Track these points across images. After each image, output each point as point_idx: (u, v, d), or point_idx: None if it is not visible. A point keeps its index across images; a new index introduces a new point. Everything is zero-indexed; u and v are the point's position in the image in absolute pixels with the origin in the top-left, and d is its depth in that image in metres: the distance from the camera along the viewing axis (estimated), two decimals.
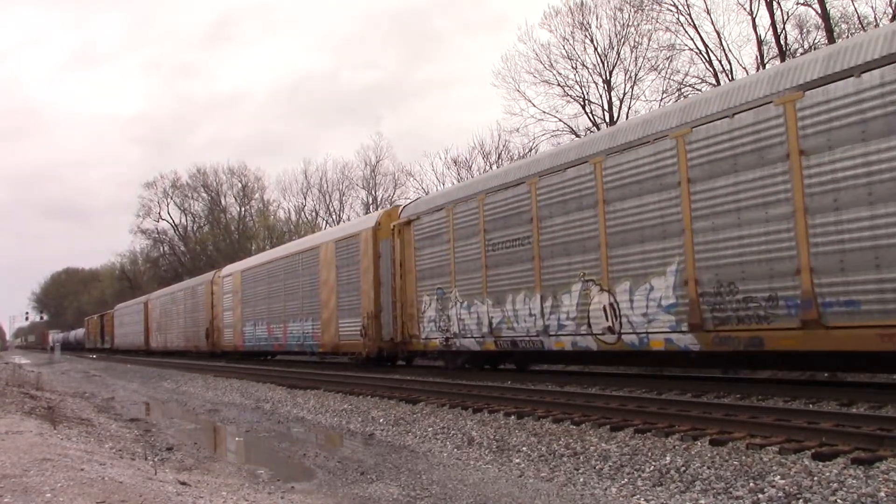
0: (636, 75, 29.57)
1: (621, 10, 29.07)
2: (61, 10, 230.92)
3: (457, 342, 15.27)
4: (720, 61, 26.56)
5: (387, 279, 18.07)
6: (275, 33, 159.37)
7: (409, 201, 20.19)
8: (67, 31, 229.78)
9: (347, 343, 19.70)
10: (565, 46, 30.35)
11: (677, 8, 26.81)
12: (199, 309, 34.18)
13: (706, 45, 26.68)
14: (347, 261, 19.82)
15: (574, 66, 30.39)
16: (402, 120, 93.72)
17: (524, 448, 7.85)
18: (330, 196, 54.28)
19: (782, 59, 23.36)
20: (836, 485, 5.32)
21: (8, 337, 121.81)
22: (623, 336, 11.29)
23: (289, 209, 59.07)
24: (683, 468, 6.27)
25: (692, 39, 26.93)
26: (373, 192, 50.59)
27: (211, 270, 40.38)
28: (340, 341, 20.06)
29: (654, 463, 6.57)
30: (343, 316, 19.84)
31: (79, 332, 77.67)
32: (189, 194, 65.35)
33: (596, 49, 30.04)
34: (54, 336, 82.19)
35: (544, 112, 31.30)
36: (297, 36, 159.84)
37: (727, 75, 25.86)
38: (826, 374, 11.60)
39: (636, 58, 29.34)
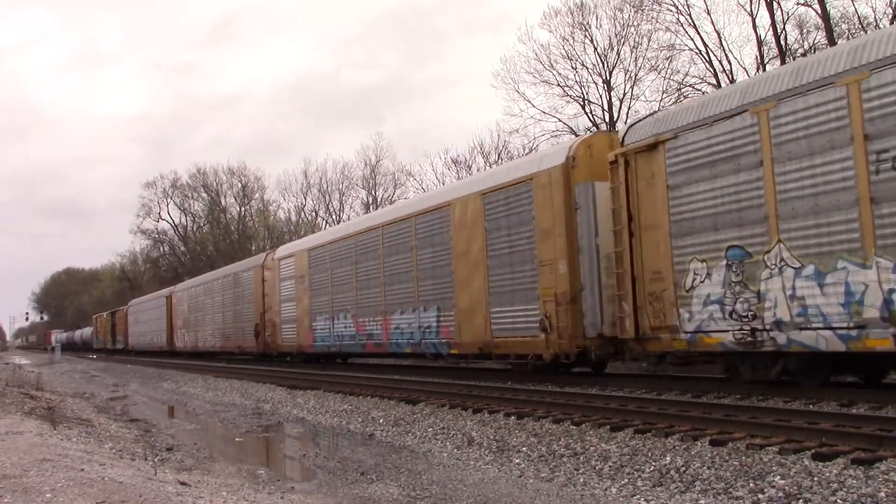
0: (636, 75, 29.60)
1: (621, 10, 29.08)
2: (62, 10, 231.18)
3: (780, 337, 9.19)
4: (720, 61, 26.58)
5: (589, 243, 12.27)
6: (276, 33, 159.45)
7: (641, 115, 14.57)
8: (68, 30, 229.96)
9: (511, 341, 13.79)
10: (565, 46, 30.36)
11: (677, 8, 26.81)
12: (245, 300, 27.74)
13: (706, 46, 26.70)
14: (508, 220, 13.79)
15: (574, 66, 30.41)
16: (404, 120, 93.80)
17: (524, 448, 7.86)
18: (330, 196, 54.35)
19: (782, 60, 23.36)
20: (836, 485, 5.32)
21: (8, 337, 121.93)
22: None
23: (288, 209, 59.14)
24: (683, 468, 6.28)
25: (692, 39, 26.94)
26: (373, 192, 50.63)
27: (213, 267, 38.89)
28: (496, 338, 14.14)
29: (654, 463, 6.57)
30: (501, 302, 13.92)
31: (86, 332, 71.97)
32: (189, 194, 65.38)
33: (596, 49, 30.06)
34: (58, 336, 79.64)
35: (544, 112, 31.30)
36: (299, 35, 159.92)
37: (727, 75, 25.86)
38: None
39: (636, 58, 29.36)
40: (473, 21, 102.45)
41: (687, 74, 27.44)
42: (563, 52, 30.39)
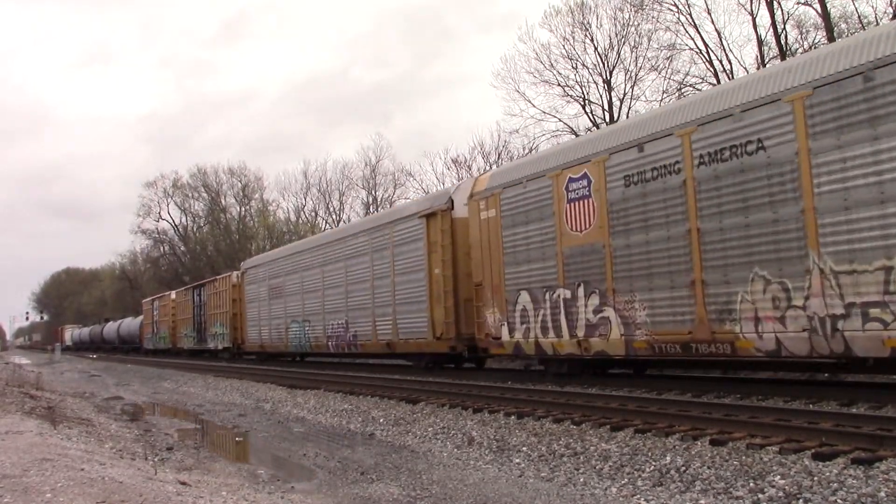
0: (636, 75, 29.53)
1: (621, 9, 29.02)
2: (72, 9, 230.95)
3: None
4: (721, 61, 26.54)
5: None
6: (286, 31, 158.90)
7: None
8: (78, 29, 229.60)
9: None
10: (565, 46, 30.30)
11: (678, 8, 26.74)
12: None
13: (707, 45, 26.64)
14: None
15: (574, 66, 30.36)
16: (414, 118, 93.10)
17: (524, 448, 7.85)
18: (329, 196, 54.29)
19: (782, 59, 23.34)
20: (836, 485, 5.32)
21: (8, 337, 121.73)
22: None
23: (287, 209, 59.07)
24: (683, 468, 6.27)
25: (693, 39, 26.89)
26: (373, 192, 50.57)
27: (213, 267, 37.18)
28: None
29: (654, 463, 6.57)
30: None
31: (129, 325, 50.73)
32: (189, 194, 65.27)
33: (596, 49, 29.99)
34: (74, 332, 70.55)
35: (544, 112, 31.24)
36: (309, 34, 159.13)
37: (728, 75, 25.83)
38: (826, 374, 11.60)
39: (636, 58, 29.29)
40: (486, 19, 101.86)
41: (687, 74, 27.43)
42: (563, 51, 30.36)
